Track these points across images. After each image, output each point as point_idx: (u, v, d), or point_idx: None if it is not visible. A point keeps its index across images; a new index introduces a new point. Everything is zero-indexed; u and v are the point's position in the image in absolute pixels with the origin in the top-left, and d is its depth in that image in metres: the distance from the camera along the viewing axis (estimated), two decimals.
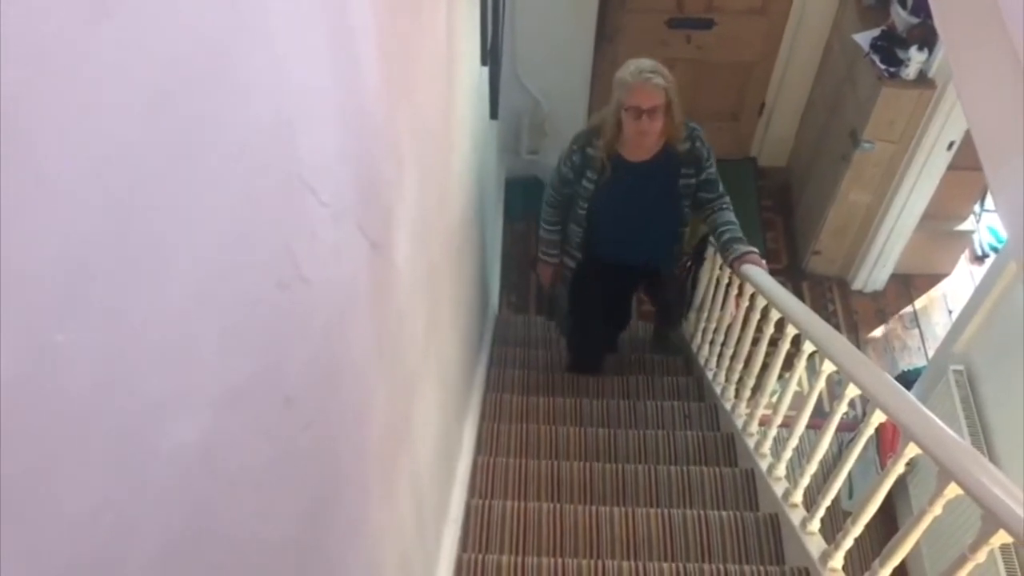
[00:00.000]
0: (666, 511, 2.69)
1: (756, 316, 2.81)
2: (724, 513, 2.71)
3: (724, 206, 2.96)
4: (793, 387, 2.56)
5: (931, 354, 3.85)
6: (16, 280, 0.41)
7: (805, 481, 2.50)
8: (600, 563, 2.42)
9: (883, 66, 3.65)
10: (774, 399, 2.79)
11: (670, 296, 3.56)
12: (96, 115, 0.48)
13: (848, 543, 2.20)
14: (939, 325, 4.30)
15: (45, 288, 0.44)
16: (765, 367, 2.77)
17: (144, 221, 0.53)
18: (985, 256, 4.51)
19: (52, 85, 0.43)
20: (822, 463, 2.45)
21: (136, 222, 0.52)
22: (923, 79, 3.63)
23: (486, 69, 2.92)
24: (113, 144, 0.49)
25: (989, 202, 4.34)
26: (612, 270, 3.23)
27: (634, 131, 2.71)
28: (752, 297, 2.80)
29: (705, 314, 3.48)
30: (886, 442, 3.14)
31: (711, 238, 3.19)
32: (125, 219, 0.51)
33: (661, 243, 3.13)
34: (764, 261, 2.84)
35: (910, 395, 1.92)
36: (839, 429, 2.42)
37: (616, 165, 2.84)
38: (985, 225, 4.54)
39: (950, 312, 4.31)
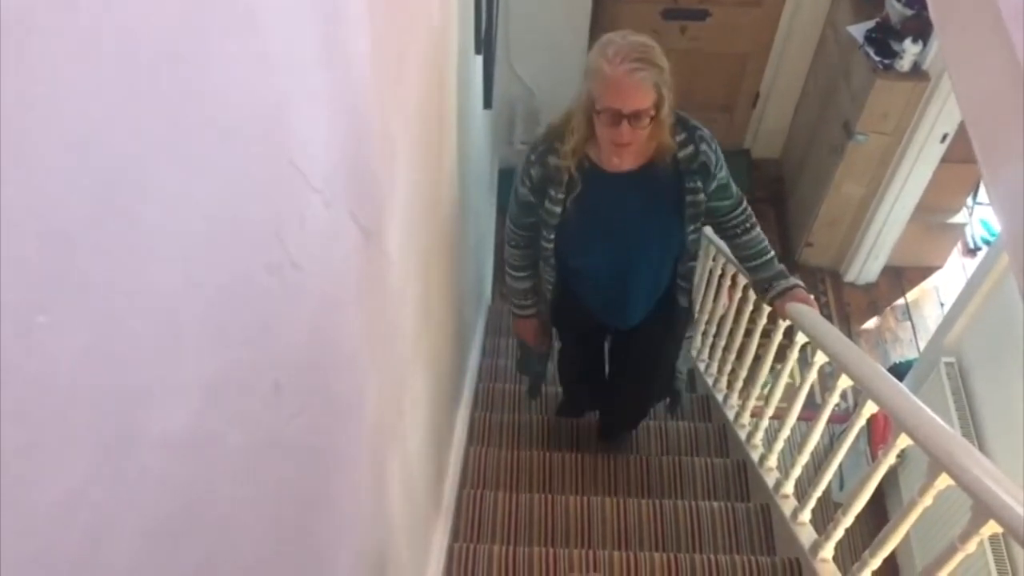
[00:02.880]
0: (657, 501, 2.70)
1: (749, 307, 2.81)
2: (715, 504, 2.71)
3: (751, 224, 2.29)
4: (785, 378, 2.57)
5: (923, 346, 3.87)
6: None
7: (796, 472, 2.51)
8: (592, 553, 2.43)
9: (877, 58, 3.64)
10: (766, 390, 2.79)
11: (646, 363, 2.62)
12: (82, 94, 0.47)
13: (839, 534, 2.20)
14: (931, 317, 4.31)
15: (28, 268, 0.43)
16: (757, 358, 2.78)
17: (130, 201, 0.52)
18: (977, 249, 4.53)
19: (33, 65, 0.42)
20: (813, 454, 2.46)
21: (122, 202, 0.51)
22: (917, 71, 3.63)
23: (480, 58, 2.90)
24: (99, 123, 0.48)
25: (982, 195, 4.35)
26: (598, 332, 2.59)
27: (608, 139, 1.98)
28: (745, 288, 2.80)
29: (697, 305, 3.48)
30: (877, 433, 3.15)
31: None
32: (111, 199, 0.50)
33: (660, 284, 2.35)
34: (812, 297, 2.30)
35: (902, 386, 1.93)
36: (830, 421, 2.42)
37: (588, 176, 2.09)
38: (978, 218, 4.55)
39: (942, 305, 4.32)
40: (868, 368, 2.04)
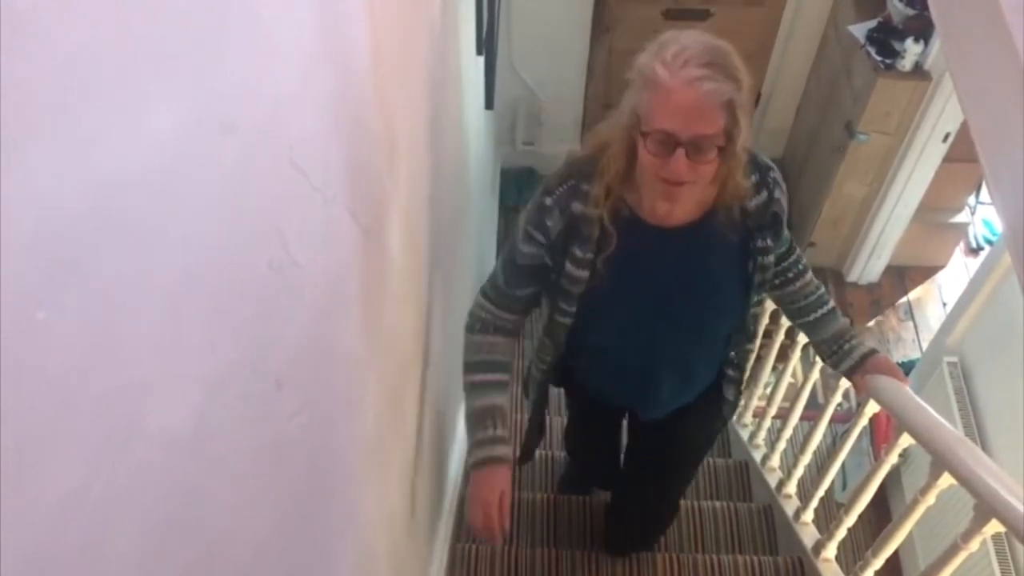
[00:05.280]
0: None
1: None
2: (718, 503, 2.71)
3: (803, 267, 1.82)
4: (787, 378, 2.56)
5: (925, 346, 3.86)
6: None
7: (799, 472, 2.50)
8: (594, 554, 2.42)
9: (879, 57, 3.64)
10: (768, 391, 2.79)
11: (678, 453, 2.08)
12: (82, 90, 0.47)
13: (841, 533, 2.20)
14: (933, 317, 4.31)
15: (27, 265, 0.43)
16: (759, 358, 2.77)
17: (131, 197, 0.52)
18: (980, 248, 4.52)
19: (33, 62, 0.42)
20: (816, 454, 2.46)
21: (122, 197, 0.51)
22: (919, 71, 3.62)
23: (481, 59, 2.90)
24: (99, 118, 0.48)
25: (984, 195, 4.34)
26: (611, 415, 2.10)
27: (654, 175, 1.41)
28: None
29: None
30: (880, 433, 3.15)
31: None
32: (110, 194, 0.50)
33: (707, 374, 1.84)
34: (898, 367, 1.85)
35: (905, 386, 1.92)
36: (833, 421, 2.42)
37: (625, 230, 1.53)
38: (980, 217, 4.55)
39: (944, 304, 4.32)
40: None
